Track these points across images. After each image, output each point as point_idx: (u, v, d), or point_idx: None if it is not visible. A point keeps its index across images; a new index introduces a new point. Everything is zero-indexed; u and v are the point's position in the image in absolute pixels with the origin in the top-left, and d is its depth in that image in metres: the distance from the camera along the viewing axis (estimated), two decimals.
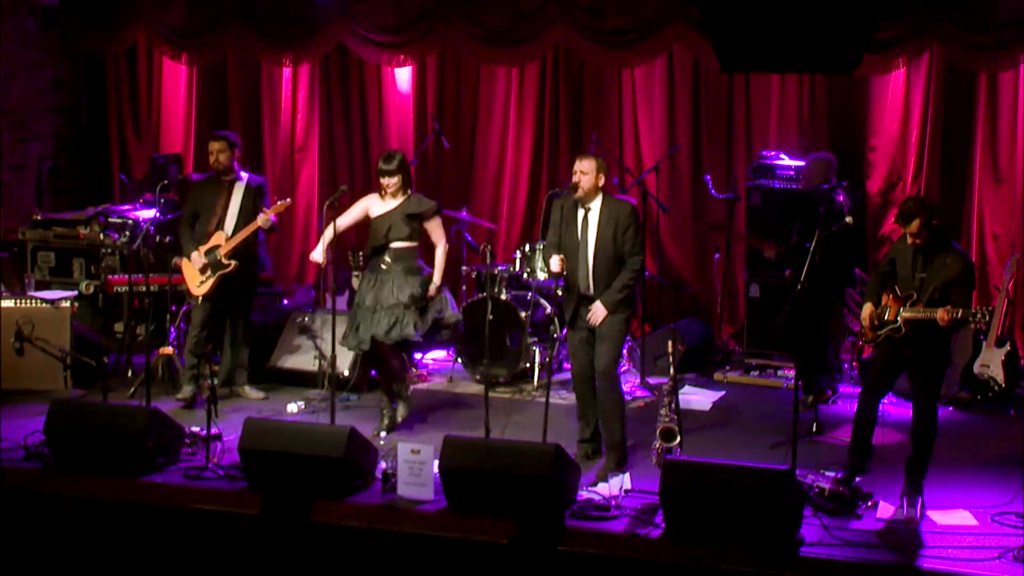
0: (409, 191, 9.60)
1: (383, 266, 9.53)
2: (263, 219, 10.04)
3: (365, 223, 9.77)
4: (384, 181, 9.49)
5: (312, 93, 13.26)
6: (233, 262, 10.10)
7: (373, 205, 9.64)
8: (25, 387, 10.16)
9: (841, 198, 10.29)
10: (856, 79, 11.50)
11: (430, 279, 9.58)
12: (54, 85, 13.47)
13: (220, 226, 10.17)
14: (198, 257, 10.12)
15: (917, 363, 8.14)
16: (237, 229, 10.14)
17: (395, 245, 9.52)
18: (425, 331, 9.56)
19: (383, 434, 9.52)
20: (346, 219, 9.72)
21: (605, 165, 8.83)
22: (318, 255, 9.58)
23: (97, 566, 7.90)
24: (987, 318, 7.81)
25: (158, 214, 10.99)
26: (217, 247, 10.10)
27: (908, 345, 8.11)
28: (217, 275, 10.09)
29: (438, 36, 12.28)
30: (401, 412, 9.80)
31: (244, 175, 10.30)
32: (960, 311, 7.81)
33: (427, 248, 9.86)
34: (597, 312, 8.65)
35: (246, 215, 10.16)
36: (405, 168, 9.58)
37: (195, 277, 10.15)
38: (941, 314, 7.85)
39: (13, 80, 12.94)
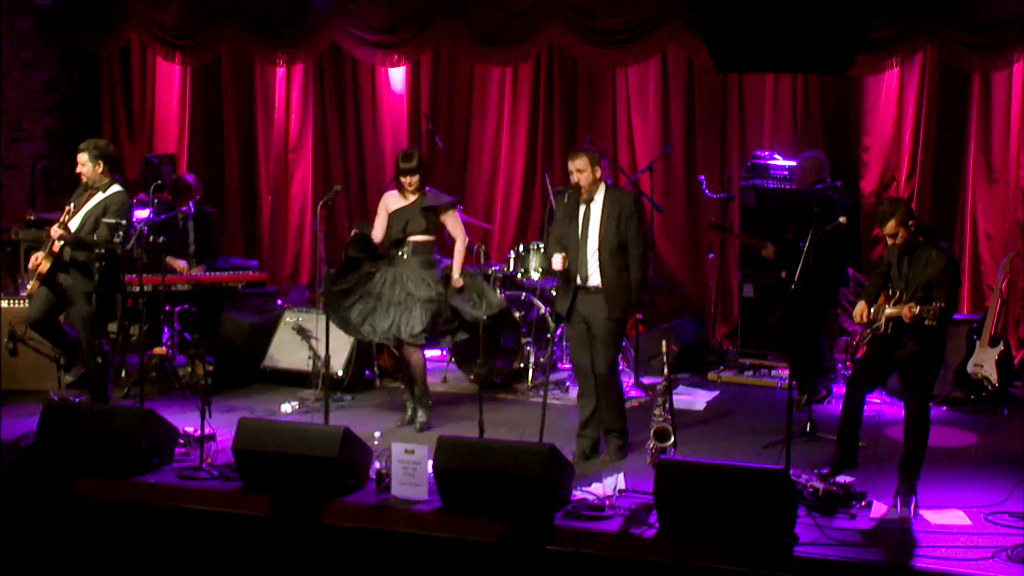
0: (426, 188, 9.70)
1: (402, 257, 9.63)
2: (48, 249, 9.59)
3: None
4: (405, 180, 9.61)
5: (306, 93, 13.28)
6: (43, 264, 9.60)
7: (391, 202, 9.76)
8: (19, 387, 10.16)
9: (835, 197, 10.32)
10: (850, 79, 11.53)
11: (448, 270, 9.71)
12: (47, 85, 13.47)
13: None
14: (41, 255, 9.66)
15: (907, 363, 8.15)
16: (78, 235, 9.62)
17: (413, 239, 9.63)
18: (436, 327, 9.67)
19: (408, 428, 9.73)
20: (377, 228, 9.78)
21: (596, 156, 8.89)
22: None
23: (91, 566, 7.89)
24: (931, 313, 7.78)
25: (152, 214, 10.98)
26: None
27: (891, 343, 8.12)
28: (38, 281, 9.70)
29: (431, 36, 12.29)
30: (420, 417, 9.83)
31: (113, 188, 9.79)
32: (919, 307, 7.83)
33: (444, 246, 9.95)
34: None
35: (87, 226, 9.63)
36: (423, 166, 9.73)
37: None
38: (905, 312, 7.88)
39: (6, 80, 12.94)
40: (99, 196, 9.73)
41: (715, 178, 11.94)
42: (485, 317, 9.52)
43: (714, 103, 12.18)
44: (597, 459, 8.96)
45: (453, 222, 9.77)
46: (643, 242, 8.89)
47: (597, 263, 8.80)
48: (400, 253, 9.64)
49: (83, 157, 9.78)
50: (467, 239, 9.86)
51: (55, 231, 9.56)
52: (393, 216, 9.70)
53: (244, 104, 13.54)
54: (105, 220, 9.62)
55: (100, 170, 9.76)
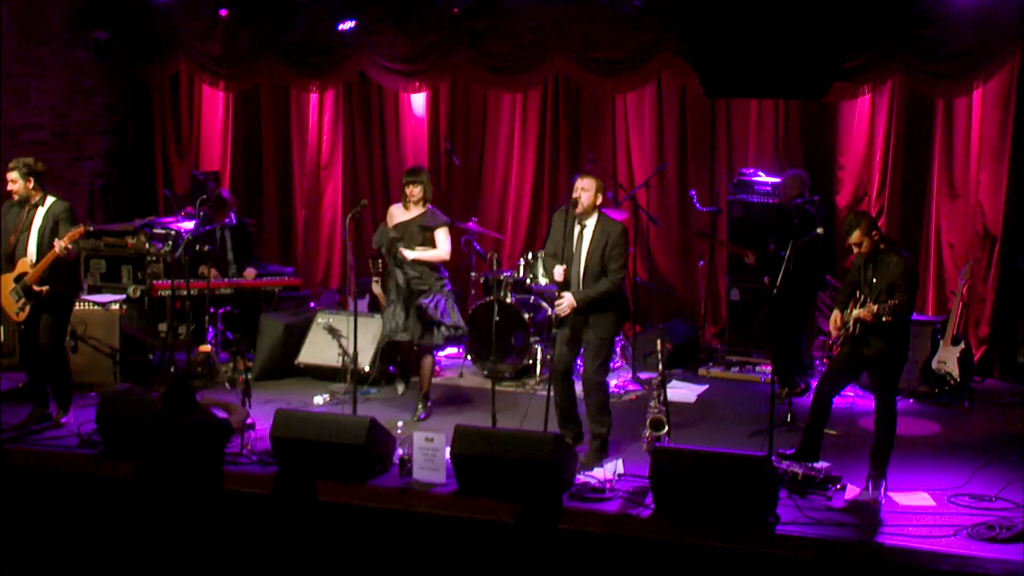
0: (427, 205, 9.65)
1: (399, 267, 9.60)
2: (59, 247, 9.07)
3: None
4: (408, 189, 9.61)
5: (336, 116, 13.29)
6: (44, 287, 9.21)
7: (396, 214, 9.75)
8: (79, 381, 10.16)
9: (813, 211, 10.31)
10: (826, 104, 11.50)
11: (442, 283, 9.65)
12: (105, 110, 13.50)
13: (23, 252, 9.26)
14: (7, 282, 9.29)
15: (874, 360, 8.14)
16: (39, 254, 9.22)
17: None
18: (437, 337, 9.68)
19: (422, 415, 9.71)
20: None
21: (603, 185, 8.77)
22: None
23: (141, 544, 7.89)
24: (887, 310, 7.79)
25: (196, 226, 11.03)
26: (24, 274, 9.23)
27: (859, 343, 8.11)
28: (32, 301, 9.25)
29: (449, 66, 12.30)
30: (418, 410, 9.82)
31: (49, 199, 9.35)
32: (876, 306, 7.84)
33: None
34: (566, 300, 8.59)
35: (44, 240, 9.24)
36: (427, 181, 9.70)
37: (12, 304, 9.32)
38: (864, 312, 7.89)
39: (69, 105, 12.98)
40: (41, 212, 9.33)
41: (705, 193, 11.92)
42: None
43: (704, 125, 12.16)
44: (582, 444, 8.82)
45: (443, 237, 9.67)
46: (621, 272, 8.63)
47: (582, 284, 8.63)
48: (398, 263, 9.62)
49: (14, 175, 9.28)
50: (447, 256, 9.72)
51: (59, 247, 9.07)
52: (394, 228, 9.69)
53: (281, 126, 13.54)
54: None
55: (31, 186, 9.30)
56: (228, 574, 6.94)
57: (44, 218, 9.31)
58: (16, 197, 9.34)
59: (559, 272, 8.67)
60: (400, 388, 10.33)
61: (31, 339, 9.46)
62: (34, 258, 9.25)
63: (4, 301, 9.40)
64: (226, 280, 11.43)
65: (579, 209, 8.61)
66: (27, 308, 9.29)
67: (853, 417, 9.48)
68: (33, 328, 9.40)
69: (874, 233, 8.07)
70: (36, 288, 9.22)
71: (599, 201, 8.70)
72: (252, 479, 8.29)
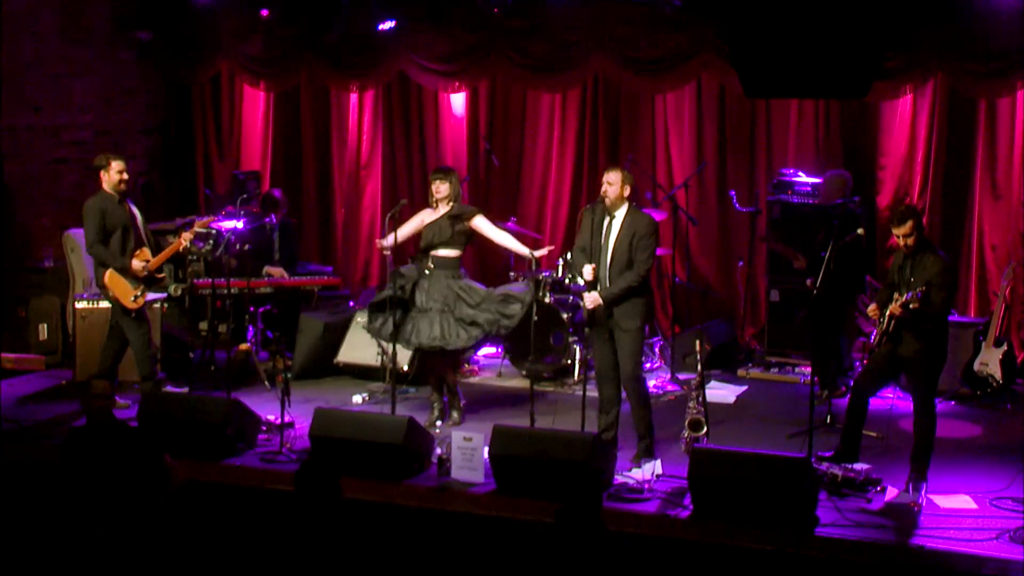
0: (453, 203, 9.56)
1: (427, 271, 9.50)
2: (188, 238, 9.76)
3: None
4: (435, 186, 9.50)
5: (376, 116, 13.32)
6: (164, 275, 9.81)
7: (427, 216, 9.66)
8: (120, 379, 10.23)
9: (855, 211, 10.25)
10: (867, 104, 11.44)
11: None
12: (147, 109, 13.58)
13: (141, 243, 9.65)
14: (139, 264, 9.54)
15: (911, 361, 8.09)
16: (148, 245, 9.75)
17: (435, 253, 9.47)
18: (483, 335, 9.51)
19: (438, 423, 9.51)
20: (406, 229, 9.65)
21: (631, 177, 8.68)
22: (387, 241, 9.54)
23: (181, 542, 7.93)
24: (915, 297, 7.77)
25: (247, 225, 11.10)
26: (147, 262, 9.60)
27: (895, 341, 8.06)
28: (150, 288, 9.68)
29: (489, 66, 12.30)
30: (454, 417, 9.64)
31: (127, 199, 9.78)
32: (907, 295, 7.80)
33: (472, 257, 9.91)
34: (592, 299, 8.55)
35: (147, 232, 9.83)
36: (456, 182, 9.58)
37: (128, 292, 9.54)
38: (895, 308, 7.85)
39: (111, 105, 13.07)
40: (133, 208, 9.72)
41: (744, 193, 11.86)
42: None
43: (744, 125, 12.12)
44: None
45: (485, 224, 9.52)
46: (647, 263, 8.52)
47: (609, 275, 8.56)
48: (426, 265, 9.50)
49: (125, 166, 9.69)
50: (507, 236, 9.68)
51: (187, 238, 9.74)
52: (426, 229, 9.55)
53: (321, 126, 13.60)
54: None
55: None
56: (263, 573, 6.95)
57: (141, 218, 9.71)
58: (124, 188, 9.62)
59: (588, 271, 8.59)
60: (436, 408, 9.79)
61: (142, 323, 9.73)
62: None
63: (119, 289, 9.54)
64: (266, 279, 11.50)
65: (607, 203, 8.55)
66: (145, 294, 9.59)
67: (893, 418, 9.42)
68: (142, 313, 9.67)
69: (922, 229, 8.07)
70: (157, 276, 9.71)
71: (627, 193, 8.61)
72: (291, 477, 8.26)
